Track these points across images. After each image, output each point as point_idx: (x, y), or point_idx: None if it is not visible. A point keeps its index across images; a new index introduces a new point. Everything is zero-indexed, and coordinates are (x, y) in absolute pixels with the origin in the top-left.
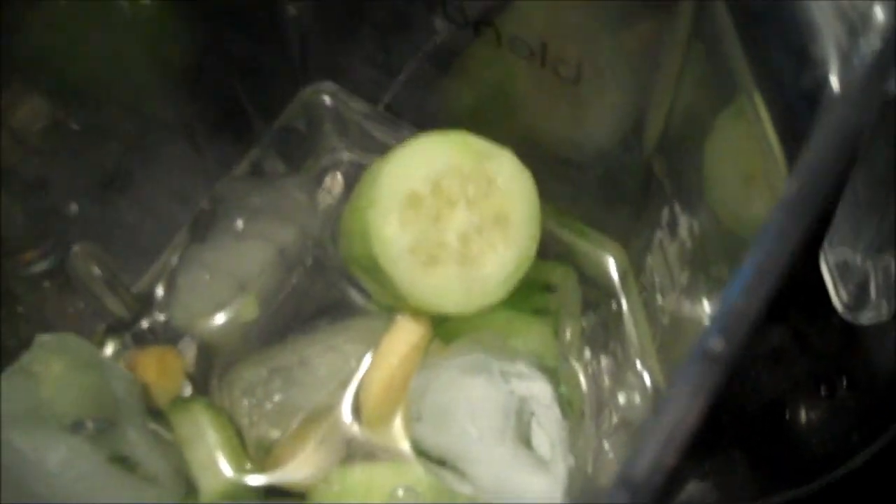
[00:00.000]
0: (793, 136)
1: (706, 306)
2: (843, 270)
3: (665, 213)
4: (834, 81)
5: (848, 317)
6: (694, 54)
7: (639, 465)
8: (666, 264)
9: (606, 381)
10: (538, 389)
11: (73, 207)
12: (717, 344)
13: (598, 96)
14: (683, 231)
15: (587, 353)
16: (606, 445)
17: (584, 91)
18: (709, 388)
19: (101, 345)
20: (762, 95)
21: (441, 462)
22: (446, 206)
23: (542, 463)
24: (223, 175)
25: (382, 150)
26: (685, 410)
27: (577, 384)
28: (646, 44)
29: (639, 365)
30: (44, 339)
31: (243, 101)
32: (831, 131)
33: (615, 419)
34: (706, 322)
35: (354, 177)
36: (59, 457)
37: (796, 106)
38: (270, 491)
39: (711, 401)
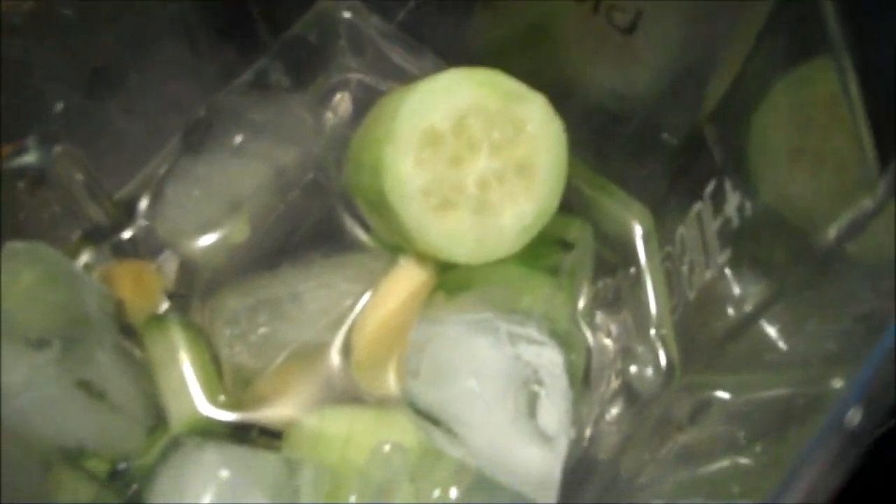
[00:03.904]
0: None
1: (747, 290)
2: None
3: (711, 185)
4: None
5: None
6: (779, 29)
7: None
8: (702, 239)
9: (613, 348)
10: (548, 357)
11: (59, 105)
12: (855, 416)
13: (654, 50)
14: (730, 209)
15: (598, 318)
16: (605, 413)
17: (638, 43)
18: (844, 467)
19: (75, 253)
20: (858, 81)
21: (434, 421)
22: (468, 148)
23: (542, 435)
24: (223, 84)
25: (399, 75)
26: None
27: (585, 350)
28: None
29: (653, 336)
30: (14, 247)
31: (252, 6)
32: None
33: (614, 385)
34: (741, 309)
35: (365, 100)
36: (20, 376)
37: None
38: (243, 427)
39: (846, 480)
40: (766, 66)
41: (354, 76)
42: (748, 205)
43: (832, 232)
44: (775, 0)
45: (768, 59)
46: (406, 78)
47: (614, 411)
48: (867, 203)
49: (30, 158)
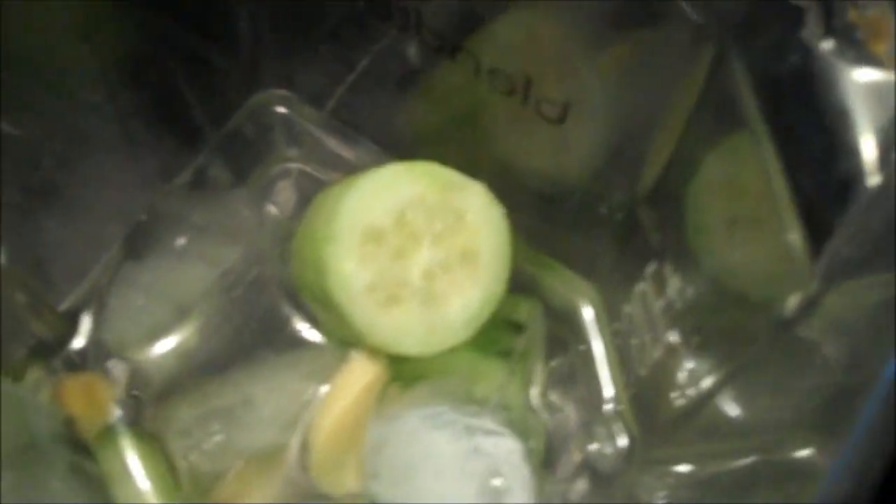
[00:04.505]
0: (815, 217)
1: (698, 366)
2: None
3: (651, 268)
4: (871, 175)
5: None
6: (706, 110)
7: None
8: (648, 318)
9: (572, 426)
10: (506, 447)
11: None
12: None
13: (584, 138)
14: (673, 292)
15: (555, 397)
16: (569, 493)
17: (569, 132)
18: None
19: (22, 372)
20: (787, 177)
21: None
22: (410, 241)
23: None
24: (163, 183)
25: (337, 162)
26: None
27: (543, 432)
28: (646, 90)
29: (609, 413)
30: None
31: (189, 105)
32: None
33: (576, 459)
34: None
35: (306, 189)
36: None
37: (823, 193)
38: None
39: None
40: (695, 146)
41: (294, 166)
42: (689, 288)
43: (778, 309)
44: (703, 81)
45: (697, 139)
46: (344, 165)
47: (579, 489)
48: (805, 292)
49: None
